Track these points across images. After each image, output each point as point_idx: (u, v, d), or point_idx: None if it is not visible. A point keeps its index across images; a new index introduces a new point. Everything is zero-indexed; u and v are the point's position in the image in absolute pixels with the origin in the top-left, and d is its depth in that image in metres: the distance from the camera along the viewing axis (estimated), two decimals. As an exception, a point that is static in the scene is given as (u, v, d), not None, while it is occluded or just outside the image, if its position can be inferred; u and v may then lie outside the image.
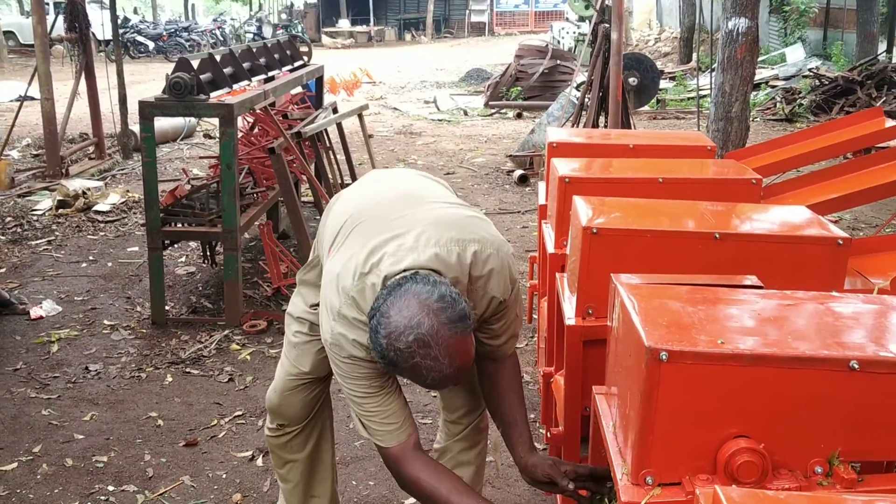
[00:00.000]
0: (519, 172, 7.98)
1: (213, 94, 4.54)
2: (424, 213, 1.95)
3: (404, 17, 34.58)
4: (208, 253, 5.13)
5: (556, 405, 2.57)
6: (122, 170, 8.33)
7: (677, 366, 1.37)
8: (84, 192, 6.87)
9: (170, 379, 3.92)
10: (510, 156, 8.57)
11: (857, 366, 1.36)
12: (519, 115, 12.14)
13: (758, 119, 11.10)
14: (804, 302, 1.64)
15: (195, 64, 4.60)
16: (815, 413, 1.39)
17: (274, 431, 2.43)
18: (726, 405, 1.40)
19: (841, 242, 2.08)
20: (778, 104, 11.75)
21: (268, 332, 4.44)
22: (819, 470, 1.40)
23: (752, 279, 1.87)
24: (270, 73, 5.81)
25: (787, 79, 13.36)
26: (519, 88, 12.82)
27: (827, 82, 11.66)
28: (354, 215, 2.02)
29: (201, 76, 4.50)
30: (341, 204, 2.18)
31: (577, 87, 8.86)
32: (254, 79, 5.50)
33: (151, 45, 24.06)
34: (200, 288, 5.13)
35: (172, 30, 25.05)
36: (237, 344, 4.29)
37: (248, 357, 4.14)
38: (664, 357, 1.36)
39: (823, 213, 3.12)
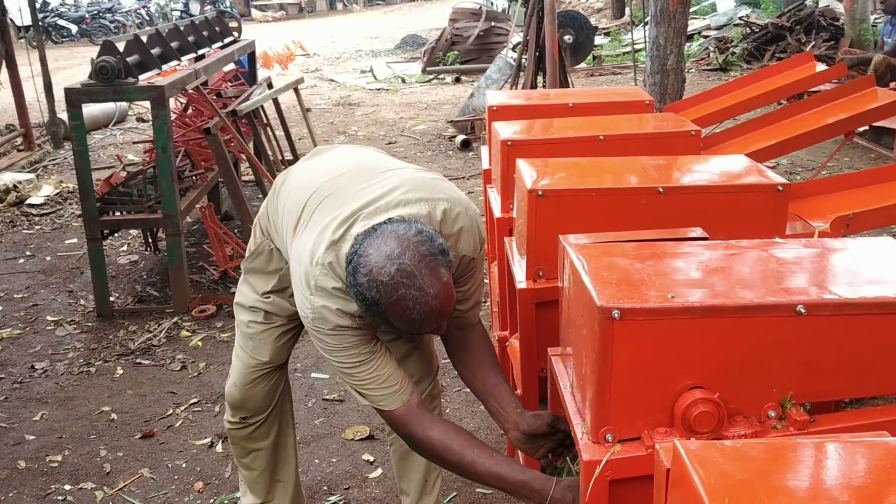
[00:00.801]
0: (461, 138, 7.96)
1: (142, 77, 4.40)
2: (389, 179, 1.93)
3: (335, -14, 33.94)
4: (150, 240, 5.02)
5: (513, 369, 2.58)
6: (54, 160, 8.07)
7: (630, 323, 1.37)
8: (15, 186, 6.65)
9: (120, 371, 3.84)
10: (451, 121, 8.53)
11: (803, 310, 1.38)
12: (457, 80, 12.07)
13: (693, 70, 11.22)
14: (748, 250, 1.66)
15: (121, 46, 4.45)
16: (766, 359, 1.41)
17: (236, 425, 2.39)
18: (680, 358, 1.41)
19: (780, 188, 2.12)
20: (711, 54, 11.90)
21: (217, 316, 4.37)
22: (773, 414, 1.43)
23: (697, 231, 1.89)
24: (200, 52, 5.66)
25: (718, 28, 13.51)
26: (455, 53, 12.75)
27: (757, 30, 11.83)
28: (317, 192, 1.97)
29: (128, 59, 4.36)
30: (296, 182, 2.12)
31: (514, 48, 8.83)
32: (183, 58, 5.35)
33: (74, 28, 23.21)
34: (145, 276, 5.02)
35: (95, 12, 24.17)
36: (187, 330, 4.22)
37: (200, 343, 4.08)
38: (616, 315, 1.37)
39: (761, 160, 3.17)
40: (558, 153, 2.55)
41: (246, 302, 2.30)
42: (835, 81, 5.14)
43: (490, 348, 2.15)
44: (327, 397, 3.51)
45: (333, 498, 2.85)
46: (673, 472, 1.02)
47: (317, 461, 3.07)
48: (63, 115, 7.46)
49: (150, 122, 5.25)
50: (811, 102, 3.69)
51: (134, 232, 5.56)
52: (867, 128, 6.58)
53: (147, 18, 23.81)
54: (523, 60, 7.78)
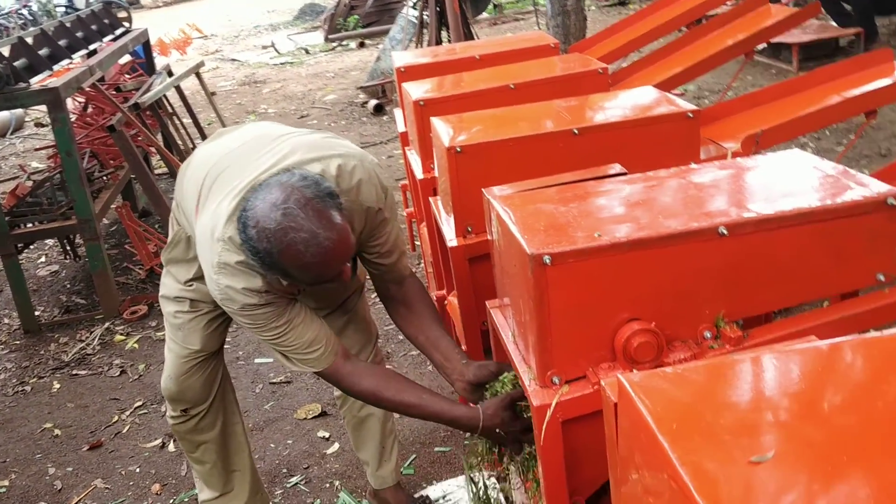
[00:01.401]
0: (374, 102, 7.87)
1: (33, 80, 4.21)
2: (281, 146, 1.91)
3: (223, -37, 32.90)
4: (68, 248, 4.85)
5: (455, 326, 2.60)
6: (-47, 178, 7.70)
7: (561, 266, 1.39)
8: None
9: (58, 386, 3.73)
10: (361, 87, 8.43)
11: (725, 231, 1.42)
12: (362, 45, 11.90)
13: (592, 8, 11.29)
14: (667, 180, 1.70)
15: (6, 51, 4.24)
16: (696, 283, 1.46)
17: (178, 418, 2.35)
18: (614, 293, 1.44)
19: (690, 115, 2.16)
20: (609, -10, 11.98)
21: (150, 315, 4.27)
22: (708, 335, 1.48)
23: (615, 167, 1.92)
24: (92, 47, 5.44)
25: (613, -37, 13.57)
26: (356, 17, 12.54)
27: (650, -40, 11.94)
28: (213, 168, 1.94)
29: (16, 63, 4.16)
30: (194, 165, 2.09)
31: (414, 6, 8.73)
32: (75, 56, 5.13)
33: (-48, 37, 22.06)
34: (69, 285, 4.86)
35: (-28, 17, 23.03)
36: (121, 334, 4.12)
37: (136, 345, 3.99)
38: (548, 261, 1.39)
39: (669, 89, 3.23)
40: (471, 107, 2.55)
41: (170, 293, 2.25)
42: (731, 3, 5.25)
43: (429, 301, 2.17)
44: (274, 381, 3.48)
45: (294, 479, 2.84)
46: (620, 405, 1.04)
47: (272, 445, 3.05)
48: (-46, 130, 7.10)
49: (50, 127, 5.04)
50: (710, 26, 3.76)
51: (50, 242, 5.37)
52: (765, 45, 6.75)
53: (30, 18, 22.75)
54: (425, 17, 7.71)
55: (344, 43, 12.21)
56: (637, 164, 1.90)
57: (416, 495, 2.57)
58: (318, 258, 1.66)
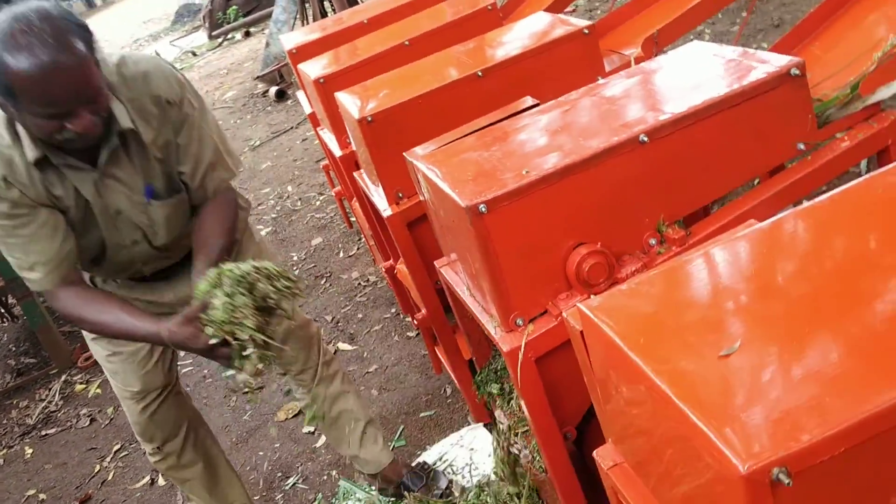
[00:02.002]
0: (274, 89, 7.72)
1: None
2: None
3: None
4: (2, 311, 4.70)
5: (410, 292, 2.60)
6: None
7: (498, 212, 1.39)
8: None
9: (30, 451, 3.64)
10: (257, 77, 8.25)
11: (646, 138, 1.44)
12: (247, 34, 11.62)
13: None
14: (579, 101, 1.70)
15: None
16: (631, 194, 1.47)
17: (155, 455, 2.29)
18: (555, 224, 1.45)
19: (587, 31, 2.17)
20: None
21: (105, 356, 4.18)
22: (653, 241, 1.50)
23: (527, 100, 1.92)
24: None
25: None
26: (234, 7, 12.21)
27: None
28: None
29: None
30: None
31: (290, -16, 8.54)
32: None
33: None
34: (13, 348, 4.71)
35: None
36: (80, 383, 4.03)
37: (98, 390, 3.90)
38: (484, 209, 1.39)
39: (559, 10, 3.24)
40: (371, 73, 2.51)
41: (90, 335, 2.17)
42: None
43: (221, 212, 1.99)
44: (246, 390, 3.44)
45: (291, 480, 2.84)
46: (585, 331, 1.05)
47: (261, 453, 3.04)
48: None
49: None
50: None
51: (-18, 309, 5.19)
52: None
53: None
54: (304, -8, 7.55)
55: (230, 37, 11.91)
56: (546, 92, 1.90)
57: (414, 463, 2.59)
58: (42, 70, 1.54)
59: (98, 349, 2.18)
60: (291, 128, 6.72)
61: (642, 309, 1.01)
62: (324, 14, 7.30)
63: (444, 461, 2.57)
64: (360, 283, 3.92)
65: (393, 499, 2.53)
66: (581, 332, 1.07)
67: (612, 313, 1.00)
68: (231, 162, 2.05)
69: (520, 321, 1.49)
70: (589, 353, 1.08)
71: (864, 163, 2.42)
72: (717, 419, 0.79)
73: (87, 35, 1.65)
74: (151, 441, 2.26)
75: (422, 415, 2.88)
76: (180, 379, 2.32)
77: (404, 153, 1.78)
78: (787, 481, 0.73)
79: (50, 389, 4.06)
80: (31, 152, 1.75)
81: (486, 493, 2.28)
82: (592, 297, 1.09)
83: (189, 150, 1.94)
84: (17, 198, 1.78)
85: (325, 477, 2.79)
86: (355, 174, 2.57)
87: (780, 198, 1.60)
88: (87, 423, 3.68)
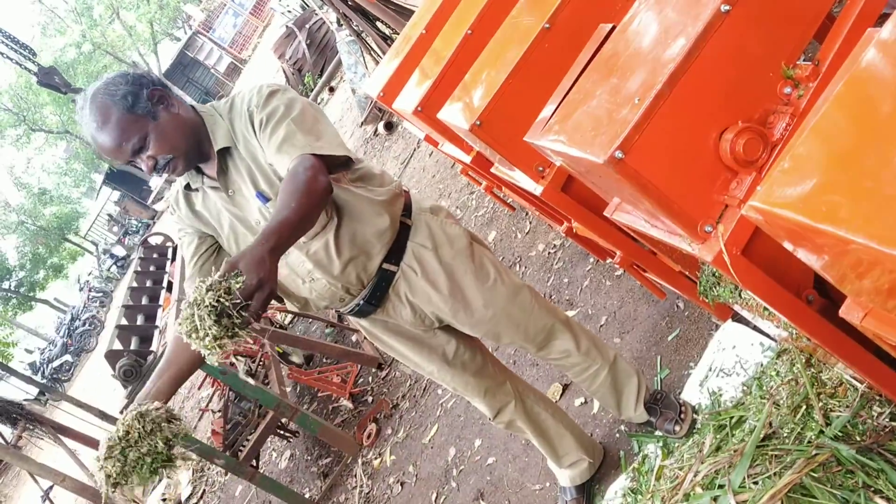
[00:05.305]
0: (381, 124, 7.97)
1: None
2: None
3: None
4: (284, 433, 5.17)
5: (593, 245, 2.64)
6: None
7: (633, 149, 1.42)
8: None
9: (368, 533, 3.99)
10: (363, 123, 8.54)
11: (727, 7, 1.42)
12: (331, 90, 12.03)
13: None
14: (647, 6, 1.69)
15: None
16: (742, 61, 1.46)
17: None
18: (690, 126, 1.45)
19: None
20: None
21: (383, 428, 4.50)
22: (788, 90, 1.48)
23: (603, 28, 1.92)
24: None
25: None
26: (308, 73, 12.67)
27: None
28: None
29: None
30: None
31: (339, 26, 8.76)
32: None
33: None
34: (309, 458, 5.18)
35: None
36: (375, 458, 4.37)
37: (393, 456, 4.22)
38: (620, 155, 1.42)
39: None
40: (454, 78, 2.58)
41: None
42: None
43: (286, 187, 1.90)
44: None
45: None
46: (768, 223, 1.08)
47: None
48: None
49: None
50: None
51: (269, 440, 5.74)
52: None
53: (99, 294, 23.42)
54: (355, 27, 7.73)
55: (318, 101, 12.36)
56: (614, 10, 1.89)
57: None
58: (93, 130, 2.02)
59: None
60: (414, 150, 6.91)
61: (809, 176, 1.02)
62: (381, 35, 7.44)
63: (714, 371, 2.59)
64: (549, 253, 4.00)
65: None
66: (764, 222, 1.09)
67: (784, 200, 1.01)
68: (306, 140, 2.04)
69: (708, 227, 1.51)
70: (787, 233, 1.10)
71: None
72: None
73: (128, 101, 2.02)
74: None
75: (669, 338, 2.91)
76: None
77: (525, 139, 1.84)
78: None
79: (355, 476, 4.44)
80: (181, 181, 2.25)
81: (766, 376, 2.29)
82: (758, 189, 1.10)
83: (270, 143, 2.06)
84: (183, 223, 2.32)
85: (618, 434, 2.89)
86: (492, 170, 2.65)
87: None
88: (400, 488, 3.99)
